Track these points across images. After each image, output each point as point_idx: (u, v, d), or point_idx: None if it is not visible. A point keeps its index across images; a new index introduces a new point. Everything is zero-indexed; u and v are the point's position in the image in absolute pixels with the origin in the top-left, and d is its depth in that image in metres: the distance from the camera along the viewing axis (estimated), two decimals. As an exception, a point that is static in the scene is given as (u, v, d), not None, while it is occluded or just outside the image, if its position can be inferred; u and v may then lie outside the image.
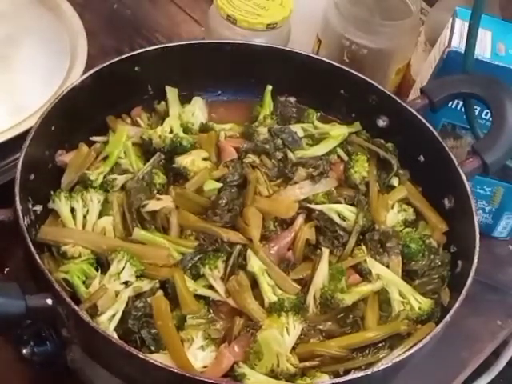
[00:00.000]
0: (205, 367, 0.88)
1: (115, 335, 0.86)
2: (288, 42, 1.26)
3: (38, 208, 0.96)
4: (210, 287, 0.94)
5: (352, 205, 1.03)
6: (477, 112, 1.11)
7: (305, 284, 0.96)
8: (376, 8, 1.29)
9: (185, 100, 1.12)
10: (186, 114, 1.10)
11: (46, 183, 0.98)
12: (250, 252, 0.95)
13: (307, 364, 0.90)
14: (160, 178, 1.02)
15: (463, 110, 1.11)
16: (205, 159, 1.05)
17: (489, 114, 1.08)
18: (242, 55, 1.13)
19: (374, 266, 0.97)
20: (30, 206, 0.95)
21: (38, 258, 0.85)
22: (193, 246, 0.95)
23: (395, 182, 1.07)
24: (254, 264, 0.95)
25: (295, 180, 1.04)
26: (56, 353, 0.86)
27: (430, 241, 1.02)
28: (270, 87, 1.15)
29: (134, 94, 1.10)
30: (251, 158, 1.06)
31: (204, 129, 1.10)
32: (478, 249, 0.95)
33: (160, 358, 0.83)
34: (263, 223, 0.98)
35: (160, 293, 0.91)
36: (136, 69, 1.08)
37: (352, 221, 1.01)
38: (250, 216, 0.98)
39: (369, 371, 0.85)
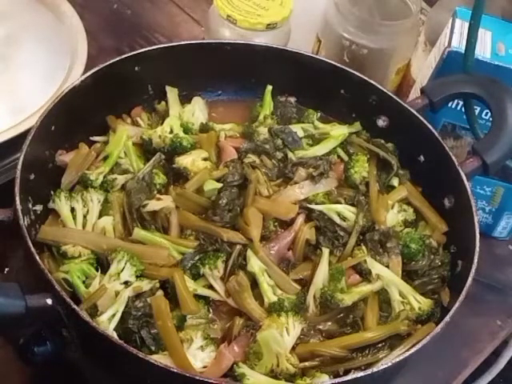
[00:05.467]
0: (204, 367, 0.88)
1: (115, 335, 0.86)
2: (288, 41, 1.26)
3: (38, 208, 0.96)
4: (210, 287, 0.94)
5: (352, 205, 1.03)
6: (477, 112, 1.11)
7: (305, 284, 0.96)
8: (376, 8, 1.29)
9: (185, 100, 1.13)
10: (186, 114, 1.10)
11: (45, 183, 0.98)
12: (249, 252, 0.95)
13: (307, 364, 0.90)
14: (160, 178, 1.02)
15: (463, 109, 1.11)
16: (205, 159, 1.05)
17: (489, 114, 1.08)
18: (242, 55, 1.13)
19: (374, 266, 0.97)
20: (30, 205, 0.95)
21: (37, 257, 0.85)
22: (193, 246, 0.95)
23: (395, 182, 1.07)
24: (254, 264, 0.95)
25: (295, 180, 1.04)
26: (56, 353, 0.86)
27: (430, 241, 1.02)
28: (270, 87, 1.15)
29: (133, 94, 1.10)
30: (251, 158, 1.06)
31: (204, 129, 1.10)
32: (477, 249, 0.95)
33: (160, 358, 0.83)
34: (263, 223, 0.99)
35: (160, 293, 0.91)
36: (136, 69, 1.08)
37: (352, 221, 1.01)
38: (250, 216, 0.98)
39: (369, 371, 0.85)
